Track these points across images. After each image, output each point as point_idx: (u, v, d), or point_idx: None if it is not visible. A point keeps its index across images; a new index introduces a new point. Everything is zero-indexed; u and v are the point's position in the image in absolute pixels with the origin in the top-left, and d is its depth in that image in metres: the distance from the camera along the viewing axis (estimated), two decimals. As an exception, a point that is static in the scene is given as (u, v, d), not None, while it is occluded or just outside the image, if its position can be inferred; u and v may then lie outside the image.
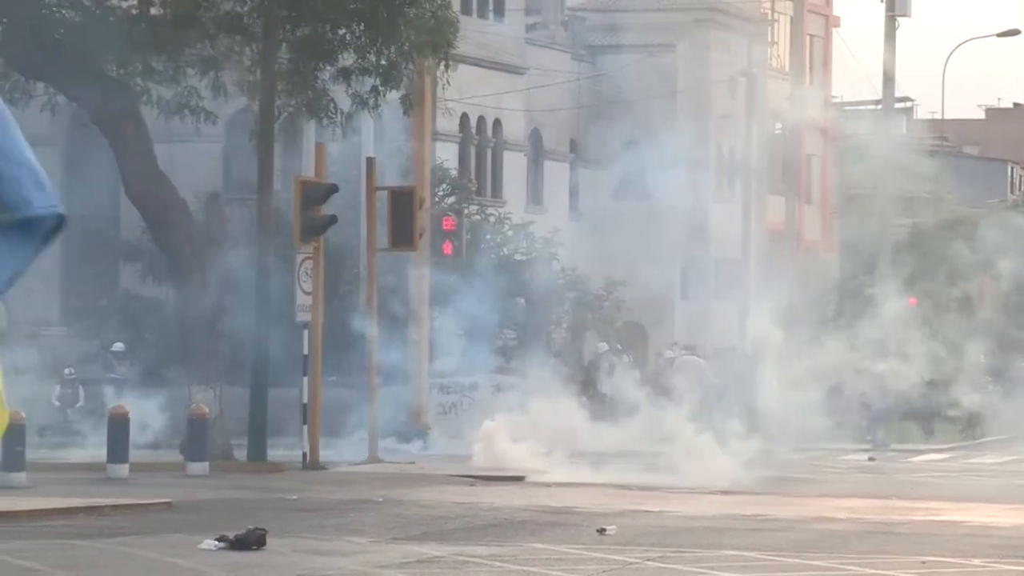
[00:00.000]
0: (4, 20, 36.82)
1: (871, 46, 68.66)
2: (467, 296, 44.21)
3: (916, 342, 42.75)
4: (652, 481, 31.13)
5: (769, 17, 65.57)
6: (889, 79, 51.70)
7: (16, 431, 29.64)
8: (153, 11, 37.05)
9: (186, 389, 35.86)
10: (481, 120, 55.44)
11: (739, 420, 35.92)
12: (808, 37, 68.70)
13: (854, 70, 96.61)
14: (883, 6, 51.93)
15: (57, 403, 42.11)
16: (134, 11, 37.12)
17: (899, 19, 52.07)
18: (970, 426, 48.82)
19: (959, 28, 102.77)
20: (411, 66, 37.22)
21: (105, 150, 39.28)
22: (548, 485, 30.50)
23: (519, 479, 32.04)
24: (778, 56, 66.69)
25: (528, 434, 34.31)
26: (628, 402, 39.00)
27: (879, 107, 58.51)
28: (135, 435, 33.20)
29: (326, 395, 36.51)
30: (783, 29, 67.15)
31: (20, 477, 29.25)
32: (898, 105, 63.12)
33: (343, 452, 36.81)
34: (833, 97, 74.13)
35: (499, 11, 55.71)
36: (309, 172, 37.19)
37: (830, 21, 71.54)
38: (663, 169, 61.72)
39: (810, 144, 69.45)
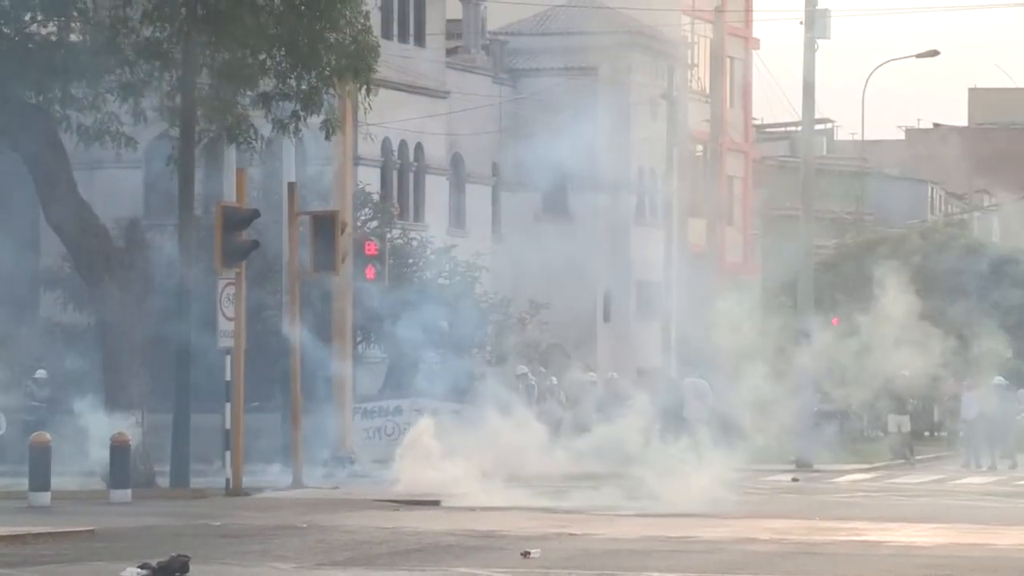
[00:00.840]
0: (-80, 46, 36.65)
1: (791, 68, 69.06)
2: (391, 320, 44.22)
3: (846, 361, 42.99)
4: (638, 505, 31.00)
5: (689, 40, 65.88)
6: (809, 100, 51.99)
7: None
8: (72, 37, 36.96)
9: (108, 416, 35.70)
10: (403, 144, 55.48)
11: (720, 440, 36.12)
12: (728, 59, 69.04)
13: (774, 92, 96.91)
14: (802, 28, 52.24)
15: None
16: (53, 37, 37.00)
17: (818, 41, 52.38)
18: (902, 446, 48.95)
19: (879, 49, 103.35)
20: (332, 91, 37.25)
21: (24, 176, 39.10)
22: (473, 509, 30.47)
23: (436, 503, 32.01)
24: (698, 78, 66.99)
25: (463, 456, 34.21)
26: (555, 423, 39.11)
27: (799, 128, 58.82)
28: (60, 463, 33.05)
29: (249, 420, 36.44)
30: (703, 51, 67.47)
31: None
32: (818, 126, 63.51)
33: (267, 478, 36.74)
34: (754, 119, 74.49)
35: (420, 36, 55.79)
36: (230, 197, 37.13)
37: (750, 43, 71.90)
38: (584, 192, 61.94)
39: (731, 166, 69.77)
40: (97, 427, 36.28)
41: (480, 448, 34.46)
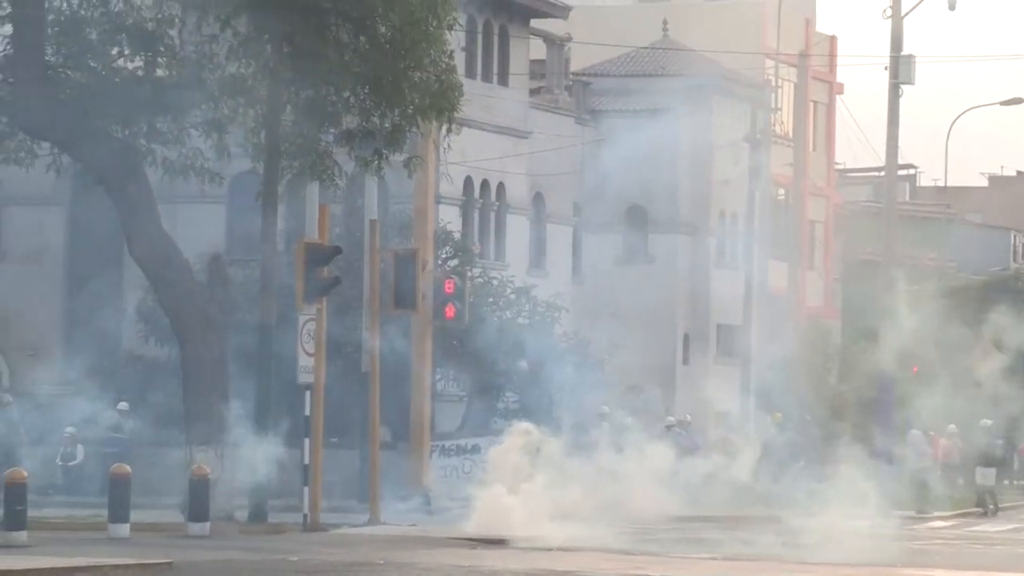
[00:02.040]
0: (10, 80, 36.95)
1: (875, 112, 68.77)
2: (470, 360, 44.28)
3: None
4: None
5: (773, 83, 65.73)
6: (893, 146, 51.83)
7: (17, 489, 29.65)
8: (158, 73, 37.20)
9: (187, 449, 35.85)
10: (485, 183, 55.55)
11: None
12: (812, 103, 68.88)
13: (858, 136, 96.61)
14: (887, 74, 52.12)
15: (60, 462, 42.11)
16: (139, 72, 37.27)
17: (903, 86, 52.24)
18: (985, 498, 48.52)
19: (963, 96, 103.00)
20: (415, 129, 37.34)
21: (110, 210, 39.37)
22: (549, 549, 30.37)
23: (509, 542, 31.87)
24: (781, 122, 66.84)
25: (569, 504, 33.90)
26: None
27: (882, 173, 58.61)
28: (140, 495, 33.18)
29: (327, 456, 36.51)
30: (787, 95, 67.33)
31: (21, 536, 29.21)
32: (901, 172, 63.30)
33: (344, 515, 36.79)
34: (836, 163, 74.26)
35: (503, 75, 55.87)
36: (312, 234, 37.26)
37: (834, 88, 71.69)
38: (664, 234, 61.89)
39: (813, 210, 69.55)
40: (176, 459, 36.46)
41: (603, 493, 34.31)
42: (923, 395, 43.84)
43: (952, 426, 49.18)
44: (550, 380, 45.48)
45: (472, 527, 32.89)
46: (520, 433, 34.82)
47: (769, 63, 66.07)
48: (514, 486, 33.74)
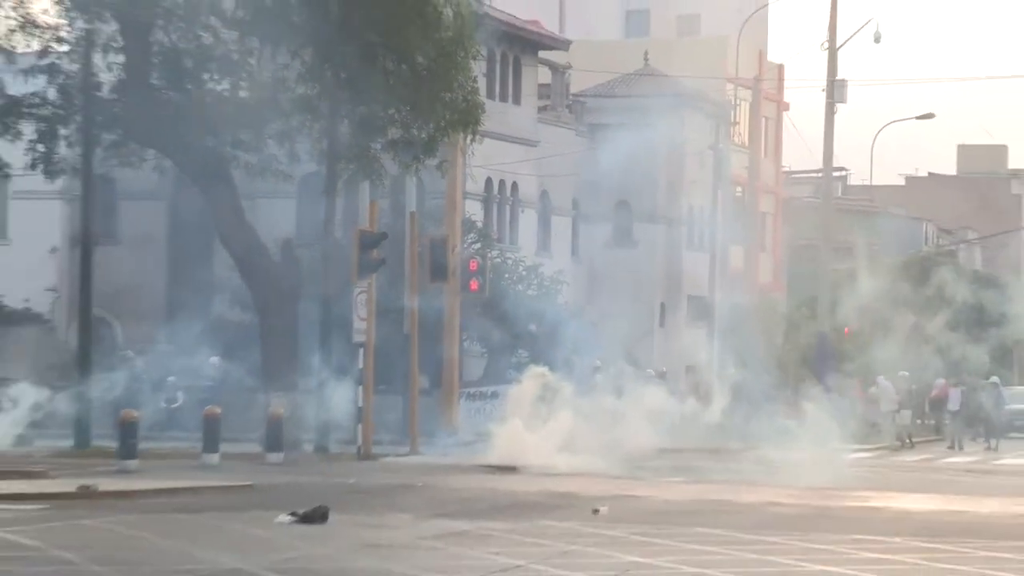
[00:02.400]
0: (123, 100, 36.97)
1: (814, 125, 68.56)
2: (490, 323, 44.29)
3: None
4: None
5: (732, 102, 65.66)
6: (828, 153, 51.70)
7: (130, 426, 29.74)
8: (241, 93, 37.21)
9: (265, 394, 35.89)
10: (502, 182, 55.50)
11: None
12: (764, 118, 68.73)
13: (800, 145, 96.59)
14: (824, 94, 52.00)
15: (164, 404, 42.14)
16: (226, 93, 37.27)
17: (837, 104, 52.09)
18: (903, 433, 48.41)
19: (885, 111, 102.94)
20: (446, 139, 37.33)
21: (202, 204, 39.40)
22: (554, 474, 30.35)
23: (523, 469, 31.66)
24: (739, 133, 66.72)
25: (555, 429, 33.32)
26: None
27: (820, 175, 58.48)
28: (227, 431, 33.20)
29: (376, 400, 36.54)
30: (743, 112, 67.22)
31: (133, 463, 29.31)
32: (836, 173, 63.11)
33: (390, 447, 36.80)
34: (783, 167, 74.13)
35: (517, 96, 55.83)
36: (364, 223, 37.27)
37: (781, 106, 71.56)
38: (645, 223, 61.80)
39: (764, 204, 69.46)
40: (256, 402, 36.50)
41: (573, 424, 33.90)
42: (863, 351, 43.78)
43: (904, 373, 48.91)
44: (553, 339, 45.46)
45: (492, 457, 32.83)
46: (535, 375, 34.59)
47: (729, 86, 65.99)
48: (529, 421, 33.57)
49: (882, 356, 46.02)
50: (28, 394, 32.24)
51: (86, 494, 23.79)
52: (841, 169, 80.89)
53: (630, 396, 36.85)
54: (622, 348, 54.25)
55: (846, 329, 53.44)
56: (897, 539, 19.84)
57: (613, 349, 52.04)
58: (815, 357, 50.33)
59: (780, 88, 70.90)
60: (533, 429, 33.24)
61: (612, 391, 37.02)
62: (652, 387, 40.92)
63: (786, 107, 72.07)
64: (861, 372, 48.56)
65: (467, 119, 36.30)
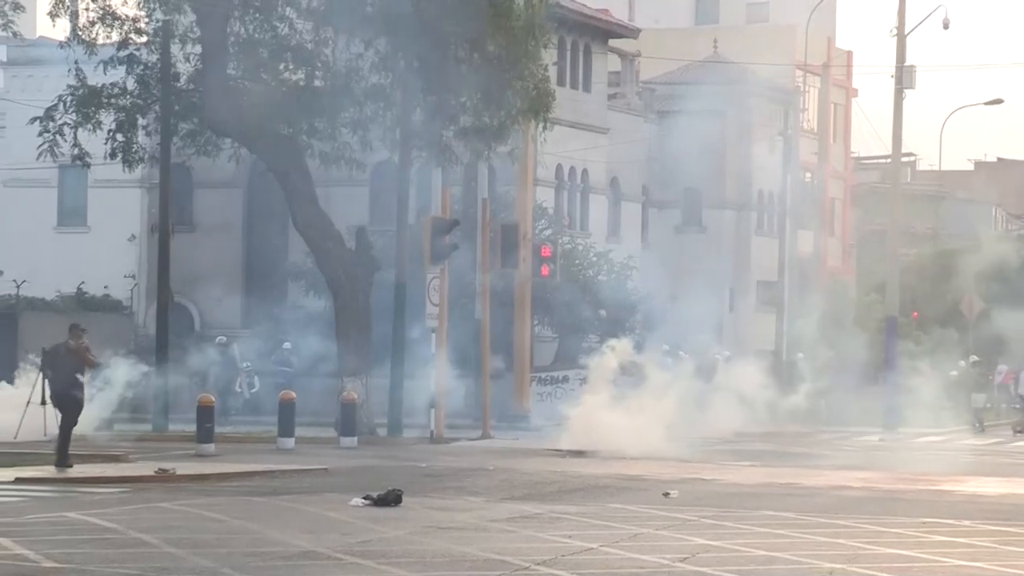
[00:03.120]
0: (200, 90, 37.16)
1: (883, 111, 68.08)
2: (561, 308, 44.22)
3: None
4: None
5: (801, 89, 65.24)
6: (897, 138, 51.25)
7: (207, 411, 29.92)
8: (316, 83, 37.31)
9: (339, 379, 36.01)
10: (572, 169, 55.38)
11: None
12: (832, 105, 68.26)
13: (869, 130, 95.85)
14: (893, 80, 51.54)
15: (239, 389, 42.38)
16: (301, 83, 37.38)
17: (906, 91, 51.63)
18: (977, 417, 47.96)
19: (955, 97, 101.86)
20: (517, 127, 37.28)
21: (277, 191, 39.55)
22: (624, 458, 30.28)
23: (595, 453, 31.51)
24: (808, 120, 66.33)
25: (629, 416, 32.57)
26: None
27: (888, 160, 58.00)
28: (301, 416, 33.32)
29: (449, 385, 36.59)
30: (812, 99, 66.80)
31: (210, 447, 29.48)
32: (904, 159, 62.59)
33: (462, 431, 36.85)
34: (852, 152, 73.64)
35: (587, 84, 55.69)
36: (436, 210, 37.30)
37: (850, 92, 71.06)
38: (715, 209, 61.55)
39: (833, 189, 69.05)
40: (330, 387, 36.63)
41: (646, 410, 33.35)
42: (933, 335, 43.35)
43: (975, 357, 48.54)
44: (623, 324, 45.35)
45: (564, 441, 32.69)
46: (616, 347, 34.03)
47: (798, 73, 65.56)
48: (606, 399, 32.77)
49: (953, 338, 45.63)
50: (116, 378, 32.46)
51: (164, 477, 23.97)
52: (910, 155, 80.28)
53: (708, 379, 36.39)
54: (693, 333, 54.09)
55: (914, 313, 52.99)
56: (967, 522, 19.67)
57: (683, 334, 51.90)
58: (884, 341, 49.91)
59: (849, 74, 70.41)
60: (610, 407, 32.61)
61: (688, 374, 36.50)
62: (737, 369, 40.31)
63: (855, 93, 71.58)
64: (927, 355, 48.11)
65: (538, 107, 36.24)
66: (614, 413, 32.54)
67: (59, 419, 25.59)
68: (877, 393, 45.59)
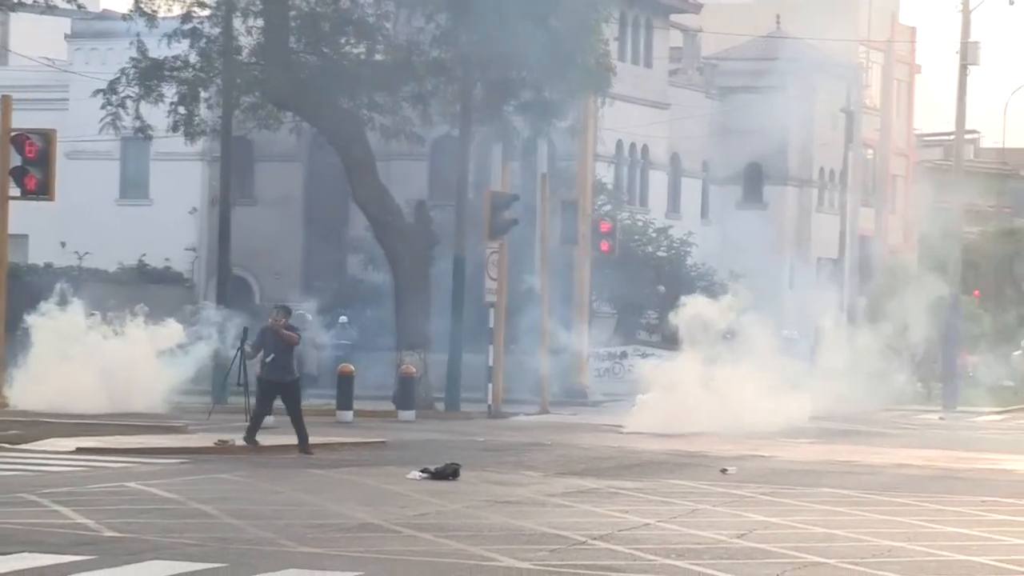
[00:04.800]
0: (262, 62, 37.26)
1: (946, 88, 67.57)
2: (620, 284, 44.18)
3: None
4: None
5: (864, 65, 64.82)
6: (961, 115, 50.85)
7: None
8: (377, 57, 37.35)
9: (398, 353, 36.09)
10: (632, 145, 55.27)
11: None
12: (895, 81, 67.79)
13: (932, 107, 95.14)
14: (957, 56, 51.12)
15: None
16: (362, 57, 37.43)
17: (970, 67, 51.20)
18: None
19: (1020, 73, 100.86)
20: (577, 102, 37.21)
21: (338, 165, 39.65)
22: (684, 435, 30.10)
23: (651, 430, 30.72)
24: (870, 96, 65.90)
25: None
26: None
27: (951, 137, 57.56)
28: (360, 389, 33.39)
29: (506, 359, 36.62)
30: (875, 75, 66.35)
31: (269, 420, 29.50)
32: (967, 136, 62.14)
33: (520, 406, 36.88)
34: (914, 129, 73.12)
35: (648, 59, 55.51)
36: (496, 185, 37.30)
37: (913, 68, 70.54)
38: (776, 185, 61.29)
39: (895, 166, 68.58)
40: (389, 361, 36.70)
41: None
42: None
43: None
44: (682, 301, 45.19)
45: (626, 419, 32.20)
46: (695, 303, 31.82)
47: (861, 49, 65.15)
48: (698, 364, 30.76)
49: (1015, 317, 45.26)
50: (195, 351, 32.65)
51: (224, 449, 24.09)
52: (973, 132, 79.48)
53: (779, 359, 34.13)
54: (754, 310, 53.77)
55: (975, 292, 52.62)
56: (1027, 502, 19.56)
57: (744, 311, 51.58)
58: (945, 320, 49.61)
59: (912, 50, 69.90)
60: (673, 392, 31.48)
61: (753, 353, 34.51)
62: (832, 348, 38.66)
63: (918, 70, 71.05)
64: (988, 334, 47.76)
65: (598, 82, 36.20)
66: (702, 392, 30.61)
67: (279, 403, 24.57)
68: (937, 372, 45.35)
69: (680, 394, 30.89)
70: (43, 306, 32.50)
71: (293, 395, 24.25)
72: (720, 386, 31.02)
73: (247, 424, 24.87)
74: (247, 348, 26.04)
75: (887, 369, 38.90)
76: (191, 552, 13.77)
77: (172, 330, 32.27)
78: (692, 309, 31.39)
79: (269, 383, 24.24)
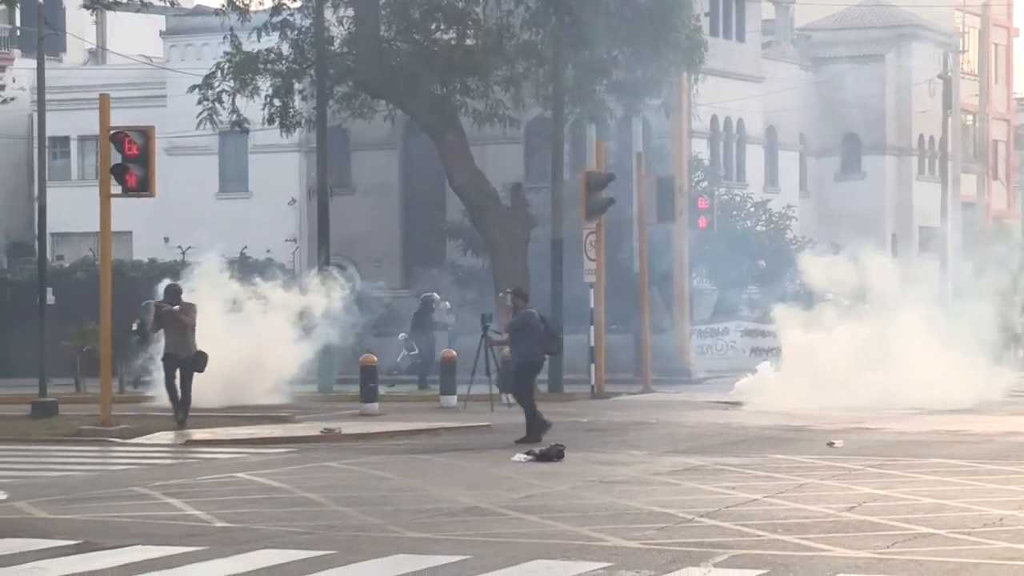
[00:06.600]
0: (354, 52, 37.46)
1: (1045, 50, 66.63)
2: (719, 260, 43.98)
3: None
4: None
5: (961, 30, 64.08)
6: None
7: (369, 371, 30.23)
8: (468, 42, 37.41)
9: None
10: (727, 120, 55.02)
11: None
12: (993, 45, 66.95)
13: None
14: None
15: (405, 351, 42.64)
16: (453, 42, 37.51)
17: (1069, 28, 50.49)
18: None
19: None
20: (670, 79, 37.06)
21: (433, 151, 39.78)
22: (785, 410, 29.82)
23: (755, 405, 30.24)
24: (968, 61, 65.12)
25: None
26: None
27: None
28: (460, 374, 33.45)
29: (609, 339, 36.58)
30: (972, 40, 65.55)
31: (374, 407, 29.79)
32: (1068, 98, 61.30)
33: (623, 385, 36.82)
34: (1015, 93, 72.18)
35: (740, 33, 55.20)
36: (591, 165, 37.25)
37: (1011, 32, 69.66)
38: (875, 155, 60.77)
39: (996, 131, 67.76)
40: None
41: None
42: None
43: None
44: (783, 275, 44.95)
45: (729, 395, 31.99)
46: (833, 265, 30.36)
47: (957, 14, 64.40)
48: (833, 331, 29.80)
49: None
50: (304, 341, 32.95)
51: (330, 437, 24.30)
52: (1075, 93, 78.35)
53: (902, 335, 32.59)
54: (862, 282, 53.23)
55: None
56: None
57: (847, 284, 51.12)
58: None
59: (1010, 14, 69.00)
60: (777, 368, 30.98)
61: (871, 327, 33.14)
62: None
63: (1016, 33, 70.12)
64: None
65: (690, 58, 36.02)
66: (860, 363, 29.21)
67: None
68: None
69: (828, 367, 29.49)
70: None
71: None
72: (897, 356, 29.52)
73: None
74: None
75: (1007, 338, 37.80)
76: (300, 540, 13.91)
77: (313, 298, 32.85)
78: (826, 271, 30.55)
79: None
